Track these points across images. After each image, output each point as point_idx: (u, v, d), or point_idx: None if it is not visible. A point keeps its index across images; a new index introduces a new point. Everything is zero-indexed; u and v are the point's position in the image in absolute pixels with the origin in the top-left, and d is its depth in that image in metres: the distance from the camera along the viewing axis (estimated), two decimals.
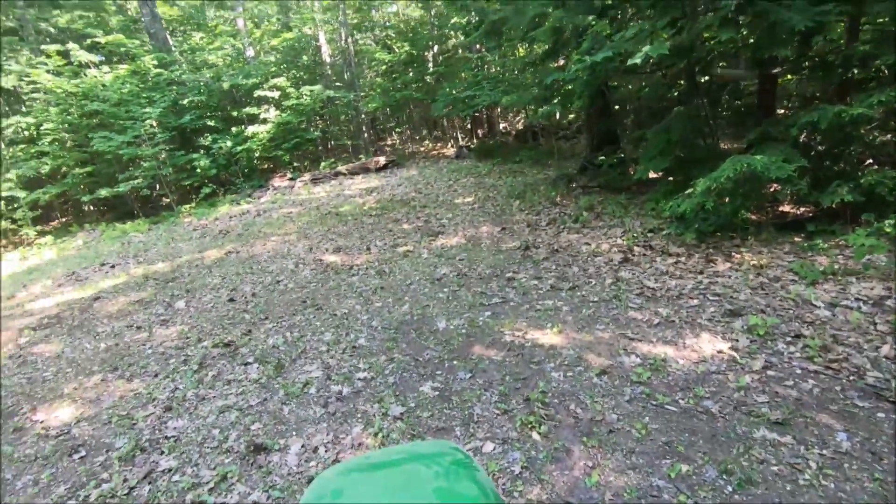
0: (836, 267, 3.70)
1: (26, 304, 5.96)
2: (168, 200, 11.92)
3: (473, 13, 8.56)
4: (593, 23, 5.12)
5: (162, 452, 2.76)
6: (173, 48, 14.14)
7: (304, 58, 14.82)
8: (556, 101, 6.85)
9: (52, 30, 13.56)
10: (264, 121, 11.93)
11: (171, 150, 11.43)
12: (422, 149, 14.98)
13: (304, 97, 12.10)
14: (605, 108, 8.01)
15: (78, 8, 13.90)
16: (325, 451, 2.61)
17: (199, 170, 11.39)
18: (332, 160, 13.29)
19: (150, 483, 2.54)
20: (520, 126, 14.92)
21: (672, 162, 5.45)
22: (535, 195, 7.41)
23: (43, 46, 11.56)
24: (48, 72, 10.95)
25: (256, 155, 12.07)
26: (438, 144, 15.20)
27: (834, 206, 4.06)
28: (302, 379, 3.32)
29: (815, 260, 3.91)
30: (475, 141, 14.18)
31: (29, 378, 3.88)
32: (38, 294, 6.39)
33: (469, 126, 14.90)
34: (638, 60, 4.12)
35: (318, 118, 14.18)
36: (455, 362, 3.29)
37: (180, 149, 11.82)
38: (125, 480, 2.57)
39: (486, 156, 11.58)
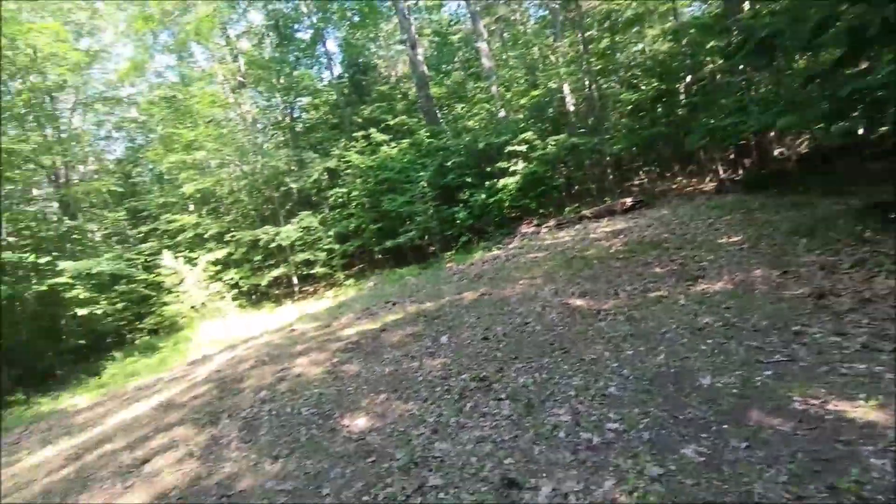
0: None
1: (337, 332, 7.63)
2: (433, 248, 13.85)
3: (735, 33, 7.70)
4: None
5: (431, 470, 3.12)
6: (440, 119, 16.76)
7: (549, 110, 15.61)
8: (855, 114, 5.53)
9: (359, 120, 17.70)
10: (513, 173, 12.91)
11: (437, 205, 13.36)
12: (674, 186, 13.84)
13: (549, 147, 12.68)
14: None
15: (376, 101, 17.85)
16: (576, 500, 2.54)
17: (458, 221, 12.97)
18: (576, 205, 13.41)
19: (421, 495, 2.89)
20: (803, 149, 12.44)
21: None
22: (830, 231, 5.99)
23: (353, 134, 15.18)
24: (356, 153, 14.27)
25: (506, 205, 13.08)
26: (693, 180, 13.81)
27: None
28: (551, 421, 3.34)
29: None
30: (741, 172, 12.38)
31: (339, 390, 4.93)
32: (344, 324, 8.12)
33: (732, 156, 13.14)
34: None
35: (562, 166, 14.61)
36: (725, 426, 2.84)
37: (444, 204, 13.71)
38: (403, 489, 2.98)
39: (756, 188, 9.97)
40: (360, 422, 4.09)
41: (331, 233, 14.61)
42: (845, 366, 3.17)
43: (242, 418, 4.76)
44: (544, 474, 2.81)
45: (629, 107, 14.58)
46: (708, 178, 13.14)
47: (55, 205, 17.76)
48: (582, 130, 14.07)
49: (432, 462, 3.21)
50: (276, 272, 14.72)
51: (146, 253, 16.26)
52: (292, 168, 16.98)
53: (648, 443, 2.86)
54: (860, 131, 8.68)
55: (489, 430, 3.44)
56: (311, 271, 15.22)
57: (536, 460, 2.97)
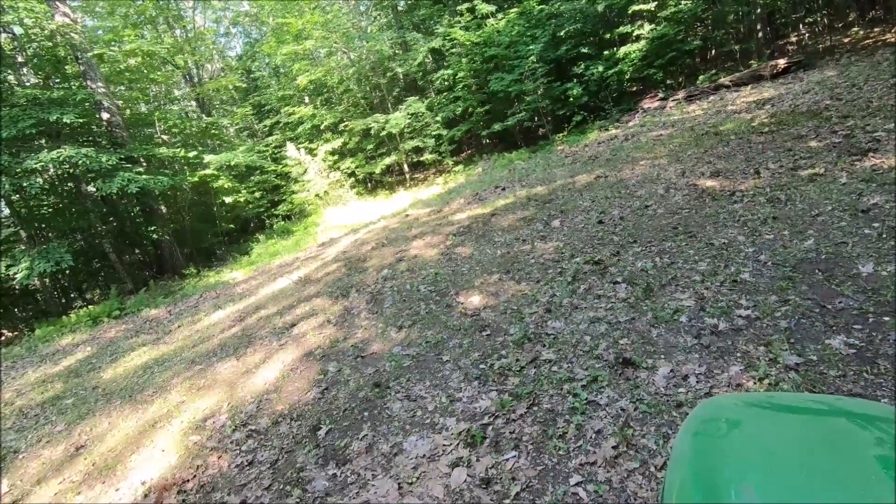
0: None
1: (448, 217, 7.83)
2: (544, 130, 13.14)
3: None
4: None
5: (544, 345, 3.23)
6: None
7: None
8: None
9: None
10: (637, 38, 11.33)
11: (548, 82, 12.38)
12: (845, 40, 11.23)
13: (683, 2, 10.77)
14: None
15: None
16: (697, 382, 2.49)
17: (571, 99, 11.99)
18: (712, 72, 11.58)
19: (535, 367, 3.03)
20: None
21: None
22: None
23: (457, 7, 14.11)
24: (461, 28, 13.38)
25: (627, 77, 11.72)
26: (875, 30, 11.05)
27: None
28: (672, 305, 3.21)
29: None
30: None
31: (453, 270, 5.16)
32: (455, 209, 8.29)
33: None
34: None
35: (697, 24, 12.47)
36: (887, 319, 2.50)
37: (556, 80, 12.65)
38: (517, 360, 3.14)
39: None
40: (475, 299, 4.29)
41: (438, 118, 14.42)
42: None
43: (369, 293, 5.26)
44: (662, 356, 2.77)
45: None
46: None
47: (193, 103, 19.55)
48: None
49: (545, 338, 3.31)
50: (387, 160, 15.16)
51: (272, 145, 17.58)
52: (397, 52, 16.57)
53: (786, 331, 2.64)
54: None
55: (604, 312, 3.41)
56: (421, 158, 15.45)
57: (654, 342, 2.91)
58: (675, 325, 3.01)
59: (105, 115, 11.93)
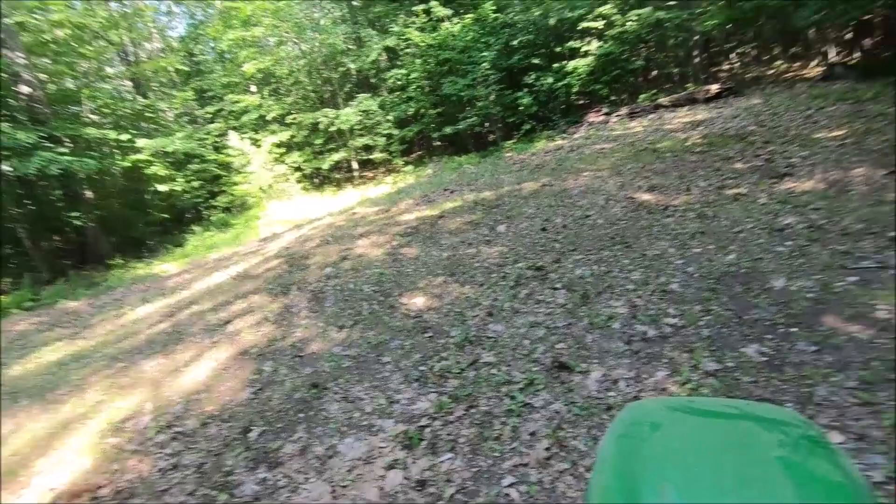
0: None
1: (396, 217, 7.78)
2: (494, 136, 13.37)
3: None
4: None
5: (484, 348, 3.28)
6: None
7: None
8: None
9: None
10: (585, 54, 11.78)
11: (500, 89, 12.61)
12: (770, 72, 12.22)
13: (630, 23, 11.30)
14: None
15: None
16: (626, 386, 2.61)
17: (521, 107, 12.28)
18: (653, 92, 12.24)
19: (475, 370, 3.07)
20: None
21: None
22: None
23: (413, 8, 14.08)
24: (416, 29, 13.37)
25: (574, 90, 12.15)
26: (796, 65, 12.10)
27: None
28: (606, 312, 3.35)
29: None
30: (858, 55, 10.65)
31: (398, 271, 5.13)
32: (403, 210, 8.24)
33: (850, 35, 11.23)
34: None
35: (641, 46, 13.13)
36: (794, 329, 2.73)
37: (508, 88, 12.91)
38: (458, 362, 3.17)
39: (874, 74, 8.59)
40: (418, 301, 4.29)
41: (389, 117, 14.32)
42: None
43: (310, 291, 5.13)
44: (596, 360, 2.88)
45: None
46: (814, 63, 11.45)
47: (128, 83, 18.31)
48: (671, 3, 12.35)
49: (486, 341, 3.36)
50: (336, 156, 14.89)
51: (214, 133, 16.78)
52: (350, 47, 16.31)
53: (707, 339, 2.82)
54: None
55: (543, 317, 3.51)
56: (370, 156, 15.27)
57: (589, 347, 3.03)
58: (609, 332, 3.14)
59: (24, 89, 10.95)
